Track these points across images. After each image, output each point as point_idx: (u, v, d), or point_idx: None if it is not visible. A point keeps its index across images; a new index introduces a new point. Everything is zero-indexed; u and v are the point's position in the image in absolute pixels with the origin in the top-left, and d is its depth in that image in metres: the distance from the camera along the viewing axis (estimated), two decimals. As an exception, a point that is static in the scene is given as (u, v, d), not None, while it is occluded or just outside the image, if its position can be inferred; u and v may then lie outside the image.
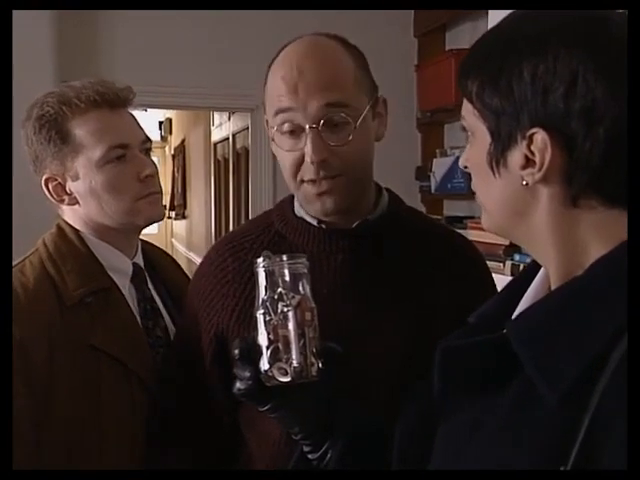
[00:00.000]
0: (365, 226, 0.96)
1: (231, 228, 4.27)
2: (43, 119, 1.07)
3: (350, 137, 0.87)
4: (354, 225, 0.96)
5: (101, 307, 1.05)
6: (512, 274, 2.07)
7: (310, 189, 0.90)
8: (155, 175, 1.13)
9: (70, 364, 1.00)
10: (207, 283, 1.00)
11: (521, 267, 1.79)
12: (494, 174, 0.64)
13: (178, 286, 1.21)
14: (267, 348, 0.72)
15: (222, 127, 4.38)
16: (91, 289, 1.05)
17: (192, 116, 5.49)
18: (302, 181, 0.91)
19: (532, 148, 0.61)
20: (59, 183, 1.10)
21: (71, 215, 1.13)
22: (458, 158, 2.50)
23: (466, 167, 0.70)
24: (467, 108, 0.67)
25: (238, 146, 4.01)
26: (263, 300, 0.73)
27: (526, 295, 0.70)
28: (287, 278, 0.73)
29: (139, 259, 1.17)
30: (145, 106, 3.87)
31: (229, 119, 4.10)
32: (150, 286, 1.17)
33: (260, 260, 0.74)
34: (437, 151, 3.03)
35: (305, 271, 0.74)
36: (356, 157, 0.89)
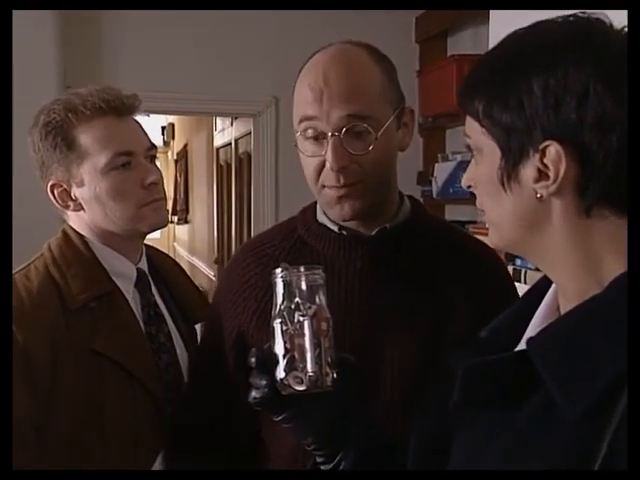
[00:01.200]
0: (384, 234, 0.98)
1: (233, 233, 4.27)
2: (49, 126, 1.09)
3: (371, 147, 0.89)
4: (373, 233, 0.97)
5: (104, 312, 1.06)
6: (514, 279, 2.09)
7: (330, 193, 0.93)
8: (159, 182, 1.14)
9: (73, 368, 1.01)
10: (231, 286, 1.03)
11: (522, 272, 1.79)
12: (505, 190, 0.65)
13: (182, 292, 1.23)
14: (283, 357, 0.73)
15: (224, 132, 4.38)
16: (95, 294, 1.07)
17: (194, 121, 5.50)
18: (323, 186, 0.93)
19: (545, 161, 0.62)
20: (64, 189, 1.11)
21: (76, 221, 1.14)
22: (460, 163, 2.52)
23: (469, 187, 0.71)
24: (473, 127, 0.67)
25: (240, 151, 4.02)
26: (280, 310, 0.75)
27: (538, 312, 0.70)
28: (304, 289, 0.75)
29: (143, 264, 1.18)
30: (147, 111, 3.87)
31: (231, 124, 4.11)
32: (154, 291, 1.18)
33: (278, 271, 0.76)
34: (439, 156, 3.03)
35: (322, 282, 0.76)
36: (376, 165, 0.91)
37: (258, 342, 0.86)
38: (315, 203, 1.03)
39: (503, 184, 0.65)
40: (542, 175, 0.62)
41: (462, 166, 2.79)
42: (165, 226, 1.19)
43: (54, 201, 1.13)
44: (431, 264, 0.98)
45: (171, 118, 6.82)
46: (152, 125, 6.85)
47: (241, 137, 3.92)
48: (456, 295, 0.96)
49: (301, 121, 0.91)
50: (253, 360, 0.75)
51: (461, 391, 0.66)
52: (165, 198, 1.17)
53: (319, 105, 0.88)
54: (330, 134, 0.88)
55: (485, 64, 0.68)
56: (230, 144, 4.22)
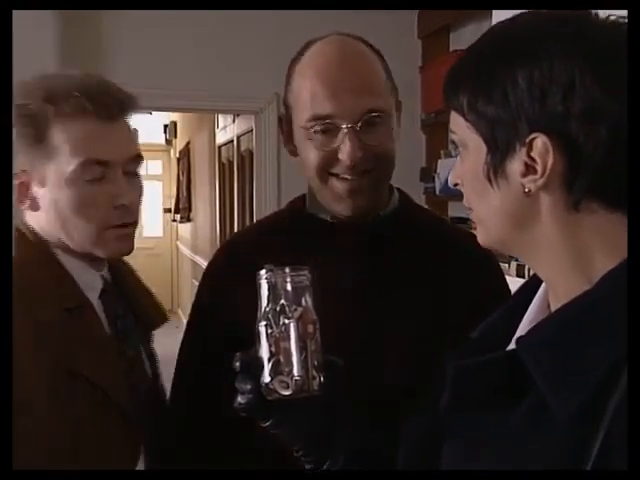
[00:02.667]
0: (378, 222, 0.97)
1: (236, 230, 4.26)
2: (22, 110, 0.93)
3: (380, 138, 0.88)
4: (368, 221, 0.96)
5: (75, 327, 0.95)
6: (518, 274, 2.06)
7: (340, 186, 0.91)
8: (135, 204, 0.99)
9: (42, 385, 0.90)
10: (219, 281, 1.01)
11: (527, 268, 1.77)
12: (492, 185, 0.64)
13: (140, 301, 1.11)
14: (268, 361, 0.72)
15: (226, 130, 4.38)
16: (65, 306, 0.94)
17: (196, 119, 5.49)
18: (330, 176, 0.91)
19: (532, 154, 0.61)
20: (23, 182, 0.96)
21: (34, 221, 0.99)
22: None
23: (456, 184, 0.69)
24: (457, 122, 0.66)
25: (242, 149, 4.01)
26: (265, 312, 0.73)
27: (529, 311, 0.69)
28: (289, 290, 0.73)
29: (106, 272, 1.04)
30: (149, 109, 3.87)
31: (233, 122, 4.11)
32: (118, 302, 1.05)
33: (263, 272, 0.74)
34: (441, 152, 3.01)
35: (308, 284, 0.74)
36: (386, 155, 0.91)
37: (249, 338, 0.84)
38: (303, 195, 1.01)
39: (490, 179, 0.63)
40: (529, 169, 0.61)
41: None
42: (128, 254, 1.02)
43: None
44: (425, 255, 0.98)
45: (173, 116, 6.80)
46: (154, 123, 6.85)
47: (243, 134, 3.91)
48: (451, 287, 0.96)
49: (312, 119, 0.88)
50: (238, 364, 0.73)
51: (451, 392, 0.65)
52: (136, 223, 1.01)
53: (335, 101, 0.86)
54: (345, 126, 0.87)
55: (468, 57, 0.67)
56: (232, 142, 4.21)
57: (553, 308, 0.66)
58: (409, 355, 0.92)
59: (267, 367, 0.72)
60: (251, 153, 3.65)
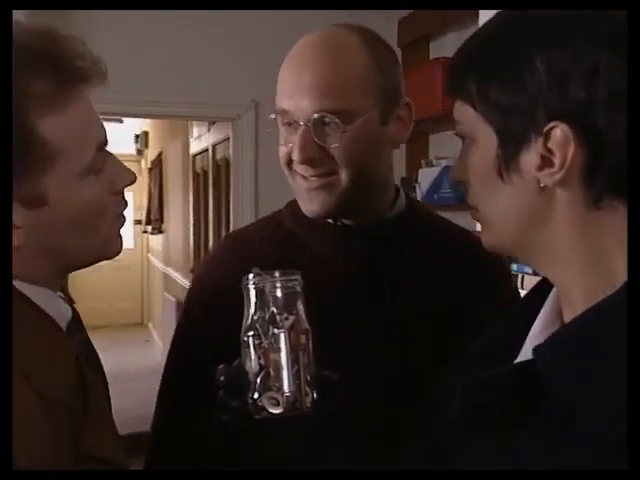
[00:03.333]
0: (383, 224, 0.92)
1: (211, 242, 4.17)
2: None
3: (339, 141, 0.82)
4: (372, 224, 0.91)
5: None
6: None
7: (302, 183, 0.86)
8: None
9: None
10: (211, 286, 0.94)
11: (519, 277, 1.74)
12: (504, 181, 0.58)
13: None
14: (256, 375, 0.65)
15: (201, 139, 4.30)
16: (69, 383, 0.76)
17: (169, 128, 5.41)
18: (295, 173, 0.87)
19: (550, 145, 0.56)
20: None
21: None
22: (445, 168, 2.45)
23: (460, 181, 0.64)
24: (464, 111, 0.61)
25: (218, 157, 3.94)
26: (252, 321, 0.67)
27: (539, 319, 0.64)
28: (280, 297, 0.67)
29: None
30: (120, 115, 3.78)
31: (209, 130, 4.03)
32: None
33: (250, 276, 0.68)
34: (422, 161, 2.99)
35: (299, 289, 0.68)
36: (351, 159, 0.84)
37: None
38: None
39: (501, 174, 0.59)
40: (546, 162, 0.56)
41: (447, 171, 2.75)
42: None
43: None
44: (431, 258, 0.93)
45: (145, 126, 6.72)
46: (125, 133, 6.74)
47: (219, 143, 3.84)
48: (458, 294, 0.91)
49: (277, 112, 0.86)
50: (222, 379, 0.66)
51: (461, 408, 0.59)
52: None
53: (291, 98, 0.84)
54: (300, 123, 0.83)
55: (478, 40, 0.61)
56: (207, 150, 4.14)
57: (566, 315, 0.62)
58: (410, 368, 0.87)
59: (255, 382, 0.65)
60: (227, 162, 3.58)
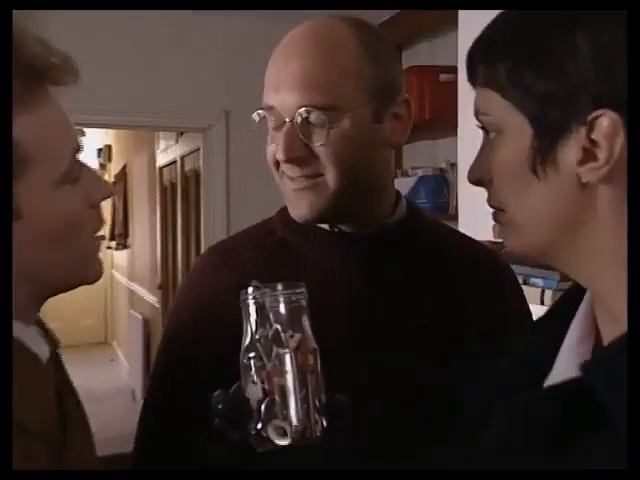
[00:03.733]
0: (383, 231, 0.85)
1: (180, 256, 4.06)
2: None
3: (325, 139, 0.77)
4: (371, 231, 0.85)
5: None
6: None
7: (288, 184, 0.81)
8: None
9: None
10: (198, 301, 0.86)
11: (540, 292, 1.66)
12: (538, 177, 0.53)
13: None
14: (260, 402, 0.58)
15: (168, 151, 4.20)
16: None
17: (134, 140, 5.28)
18: (283, 174, 0.81)
19: (594, 136, 0.50)
20: None
21: None
22: (421, 178, 2.40)
23: (478, 180, 0.58)
24: (491, 100, 0.55)
25: (187, 169, 3.85)
26: (253, 341, 0.60)
27: (573, 330, 0.59)
28: (283, 313, 0.60)
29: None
30: (80, 125, 3.64)
31: (177, 141, 3.93)
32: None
33: (249, 290, 0.61)
34: (397, 171, 2.95)
35: (304, 304, 0.61)
36: (340, 159, 0.78)
37: (236, 369, 0.69)
38: None
39: (535, 170, 0.53)
40: (589, 155, 0.51)
41: (423, 181, 2.72)
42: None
43: None
44: (436, 266, 0.88)
45: (108, 140, 6.60)
46: (87, 147, 6.56)
47: (187, 154, 3.75)
48: (467, 302, 0.86)
49: (263, 108, 0.81)
50: (220, 407, 0.59)
51: (505, 432, 0.54)
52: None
53: (277, 93, 0.78)
54: (285, 120, 0.78)
55: (509, 19, 0.56)
56: (175, 162, 4.04)
57: (604, 324, 0.57)
58: (421, 384, 0.81)
59: (258, 410, 0.58)
60: (197, 174, 3.49)
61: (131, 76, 2.87)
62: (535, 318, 0.91)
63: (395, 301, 0.84)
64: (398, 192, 0.91)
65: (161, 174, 4.53)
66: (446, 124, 2.47)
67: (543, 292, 1.54)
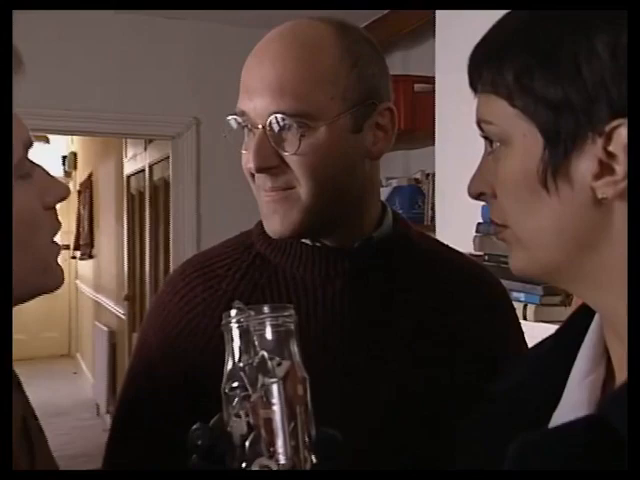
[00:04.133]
0: (369, 246, 0.80)
1: (147, 266, 3.96)
2: None
3: (298, 147, 0.72)
4: (355, 245, 0.80)
5: None
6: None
7: (262, 196, 0.76)
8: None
9: None
10: (170, 319, 0.80)
11: (521, 306, 1.63)
12: (548, 192, 0.49)
13: None
14: (244, 437, 0.52)
15: (137, 158, 4.10)
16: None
17: (101, 148, 5.16)
18: (258, 186, 0.77)
19: (611, 148, 0.46)
20: None
21: None
22: (395, 189, 2.35)
23: (481, 194, 0.54)
24: (494, 107, 0.51)
25: (155, 178, 3.76)
26: (236, 369, 0.54)
27: (582, 357, 0.55)
28: (270, 338, 0.55)
29: None
30: (44, 131, 3.54)
31: (145, 149, 3.84)
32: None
33: (232, 313, 0.55)
34: (371, 182, 2.92)
35: (293, 328, 0.56)
36: (313, 170, 0.73)
37: (210, 394, 0.62)
38: None
39: (546, 184, 0.49)
40: (605, 169, 0.47)
41: (397, 192, 2.69)
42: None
43: None
44: (425, 282, 0.83)
45: (73, 147, 6.46)
46: (52, 154, 6.41)
47: (156, 163, 3.66)
48: (456, 316, 0.82)
49: (236, 113, 0.76)
50: (199, 442, 0.53)
51: (514, 468, 0.49)
52: None
53: (249, 97, 0.74)
54: (256, 127, 0.73)
55: (517, 19, 0.52)
56: (143, 171, 3.95)
57: (615, 351, 0.53)
58: (413, 413, 0.77)
59: (242, 446, 0.52)
60: (166, 182, 3.41)
61: (98, 81, 2.79)
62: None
63: (381, 320, 0.79)
64: (384, 204, 0.86)
65: (128, 183, 4.43)
66: (421, 134, 2.45)
67: (525, 307, 1.50)
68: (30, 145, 0.66)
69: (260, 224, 0.84)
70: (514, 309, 0.91)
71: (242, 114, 0.75)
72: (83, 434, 4.44)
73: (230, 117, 0.76)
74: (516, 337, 0.87)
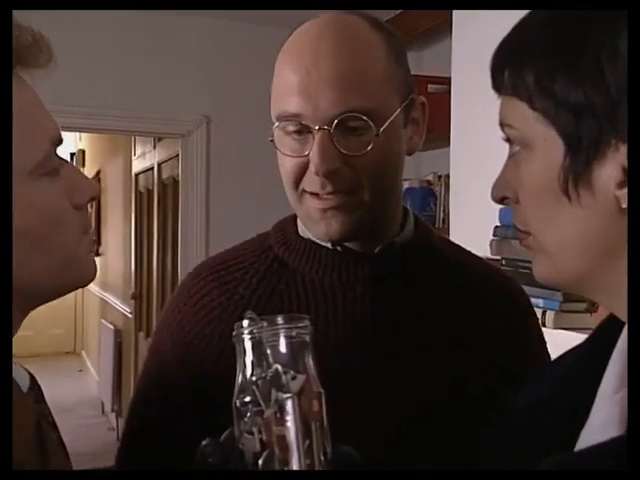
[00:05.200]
0: (391, 251, 0.77)
1: (155, 265, 3.94)
2: None
3: (370, 146, 0.69)
4: (377, 250, 0.77)
5: None
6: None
7: (313, 204, 0.72)
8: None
9: None
10: (185, 322, 0.78)
11: (540, 313, 1.59)
12: (570, 199, 0.47)
13: None
14: (256, 455, 0.50)
15: (145, 157, 4.09)
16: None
17: (109, 146, 5.16)
18: (304, 192, 0.72)
19: None
20: None
21: None
22: (407, 190, 2.32)
23: (504, 198, 0.53)
24: (518, 110, 0.49)
25: (164, 176, 3.74)
26: (248, 383, 0.52)
27: (612, 371, 0.52)
28: (284, 351, 0.53)
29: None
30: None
31: (154, 147, 3.83)
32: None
33: (244, 323, 0.53)
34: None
35: (308, 339, 0.53)
36: (376, 171, 0.71)
37: (222, 404, 0.59)
38: (293, 216, 0.82)
39: (567, 191, 0.47)
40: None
41: (408, 193, 2.66)
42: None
43: None
44: (447, 289, 0.81)
45: (81, 144, 6.45)
46: (59, 151, 6.40)
47: (165, 161, 3.65)
48: (481, 326, 0.80)
49: (280, 118, 0.71)
50: (210, 460, 0.51)
51: None
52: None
53: (305, 97, 0.69)
54: (317, 128, 0.68)
55: (538, 20, 0.50)
56: (152, 169, 3.94)
57: None
58: (440, 425, 0.74)
59: (254, 464, 0.50)
60: (175, 181, 3.40)
61: (108, 78, 2.78)
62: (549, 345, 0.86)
63: (402, 328, 0.77)
64: (405, 207, 0.84)
65: (137, 181, 4.42)
66: (433, 135, 2.42)
67: (544, 314, 1.46)
68: (59, 142, 0.65)
69: (279, 226, 0.82)
70: (537, 319, 0.89)
71: (292, 117, 0.70)
72: (88, 432, 4.43)
73: (281, 122, 0.71)
74: (539, 347, 0.85)
